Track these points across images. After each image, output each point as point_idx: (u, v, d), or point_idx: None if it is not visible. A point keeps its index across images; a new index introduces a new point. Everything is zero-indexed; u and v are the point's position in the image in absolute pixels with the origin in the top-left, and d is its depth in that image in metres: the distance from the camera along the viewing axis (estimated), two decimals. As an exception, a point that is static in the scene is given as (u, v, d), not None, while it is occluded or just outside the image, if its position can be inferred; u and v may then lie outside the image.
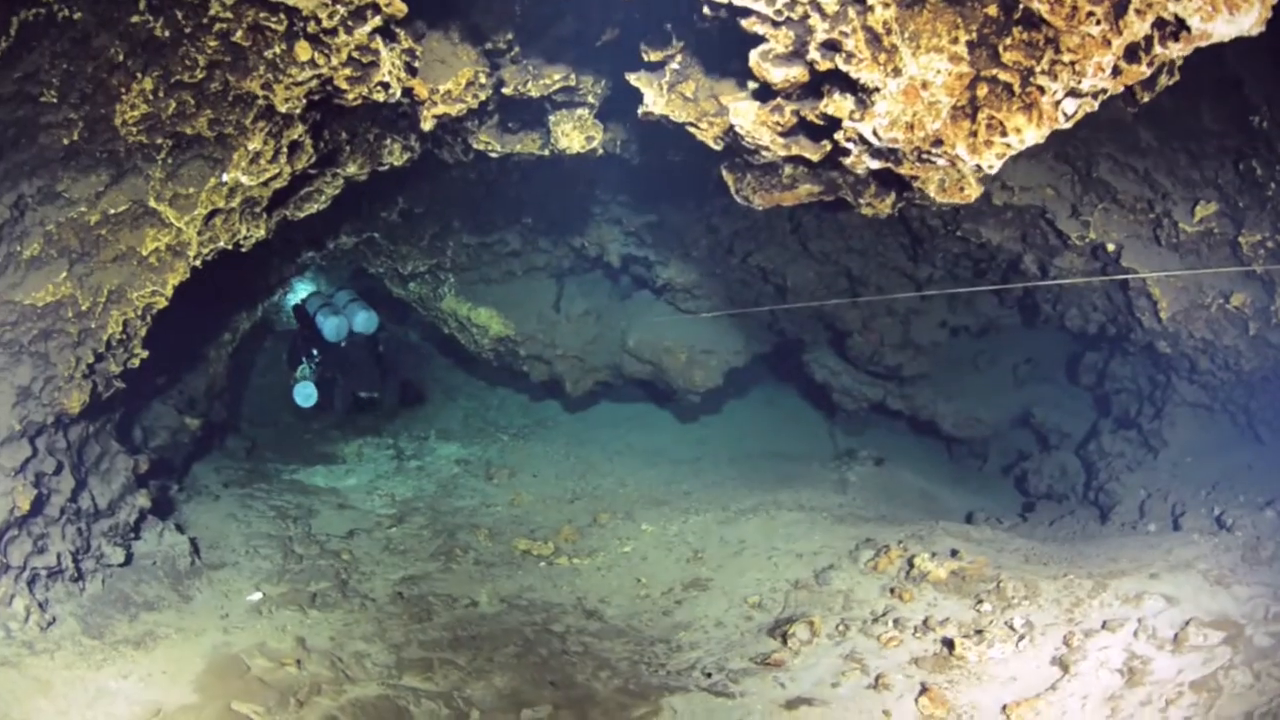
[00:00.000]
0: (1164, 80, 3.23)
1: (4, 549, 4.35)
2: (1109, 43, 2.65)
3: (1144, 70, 2.74)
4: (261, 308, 8.72)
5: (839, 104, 3.09)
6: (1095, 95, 2.84)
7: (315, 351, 8.03)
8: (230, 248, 4.93)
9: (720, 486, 8.23)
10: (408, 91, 4.19)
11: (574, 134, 4.94)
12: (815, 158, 3.47)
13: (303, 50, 3.77)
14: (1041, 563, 5.39)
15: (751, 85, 3.40)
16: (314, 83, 3.97)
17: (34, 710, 3.85)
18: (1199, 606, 4.27)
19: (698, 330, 8.59)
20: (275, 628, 5.06)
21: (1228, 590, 4.36)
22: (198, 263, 4.78)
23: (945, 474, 8.92)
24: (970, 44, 2.82)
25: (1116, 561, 5.11)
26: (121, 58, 3.73)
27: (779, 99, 3.32)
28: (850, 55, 2.89)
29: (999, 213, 6.21)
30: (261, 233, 5.04)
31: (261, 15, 3.64)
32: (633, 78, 3.82)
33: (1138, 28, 2.61)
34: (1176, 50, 2.67)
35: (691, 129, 3.77)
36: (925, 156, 3.10)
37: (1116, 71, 2.75)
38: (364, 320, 7.81)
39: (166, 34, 3.67)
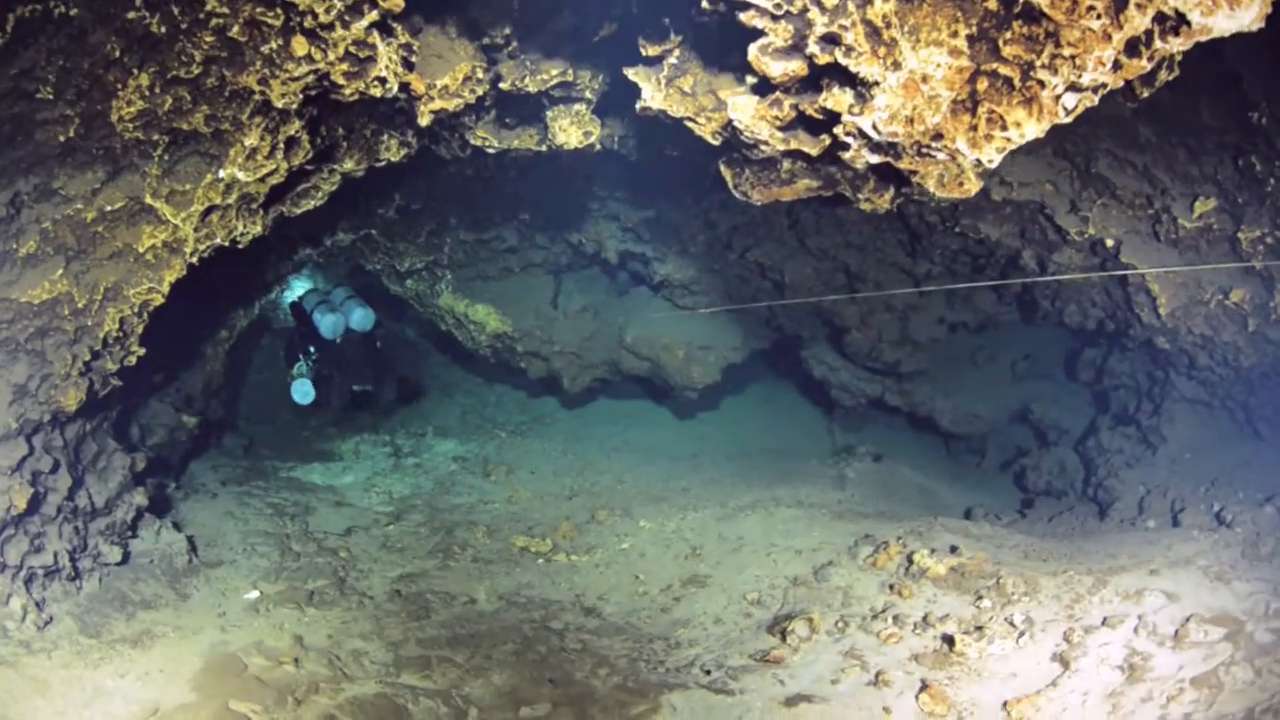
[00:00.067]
0: (1163, 75, 3.22)
1: (1, 548, 4.34)
2: (1109, 37, 2.64)
3: (1144, 65, 2.74)
4: (259, 305, 8.72)
5: (838, 98, 3.08)
6: (1095, 90, 2.83)
7: (312, 349, 8.00)
8: (227, 245, 4.91)
9: (718, 483, 8.22)
10: (405, 87, 4.17)
11: (571, 129, 4.93)
12: (814, 152, 3.46)
13: (299, 45, 3.75)
14: (1041, 559, 5.39)
15: (750, 80, 3.38)
16: (311, 78, 3.95)
17: (31, 710, 3.84)
18: (1199, 603, 4.26)
19: (695, 326, 8.58)
20: (273, 626, 5.05)
21: (1228, 586, 4.36)
22: (194, 260, 4.77)
23: (944, 470, 8.92)
24: (970, 38, 2.81)
25: (1116, 558, 5.11)
26: (118, 54, 3.72)
27: (778, 93, 3.31)
28: (850, 49, 2.88)
29: (998, 208, 6.20)
30: (258, 229, 5.02)
31: (258, 10, 3.62)
32: (630, 72, 3.81)
33: (1138, 22, 2.60)
34: (1177, 45, 2.66)
35: (689, 124, 3.76)
36: (925, 151, 3.09)
37: (1117, 66, 2.74)
38: (361, 317, 7.78)
39: (163, 30, 3.66)
